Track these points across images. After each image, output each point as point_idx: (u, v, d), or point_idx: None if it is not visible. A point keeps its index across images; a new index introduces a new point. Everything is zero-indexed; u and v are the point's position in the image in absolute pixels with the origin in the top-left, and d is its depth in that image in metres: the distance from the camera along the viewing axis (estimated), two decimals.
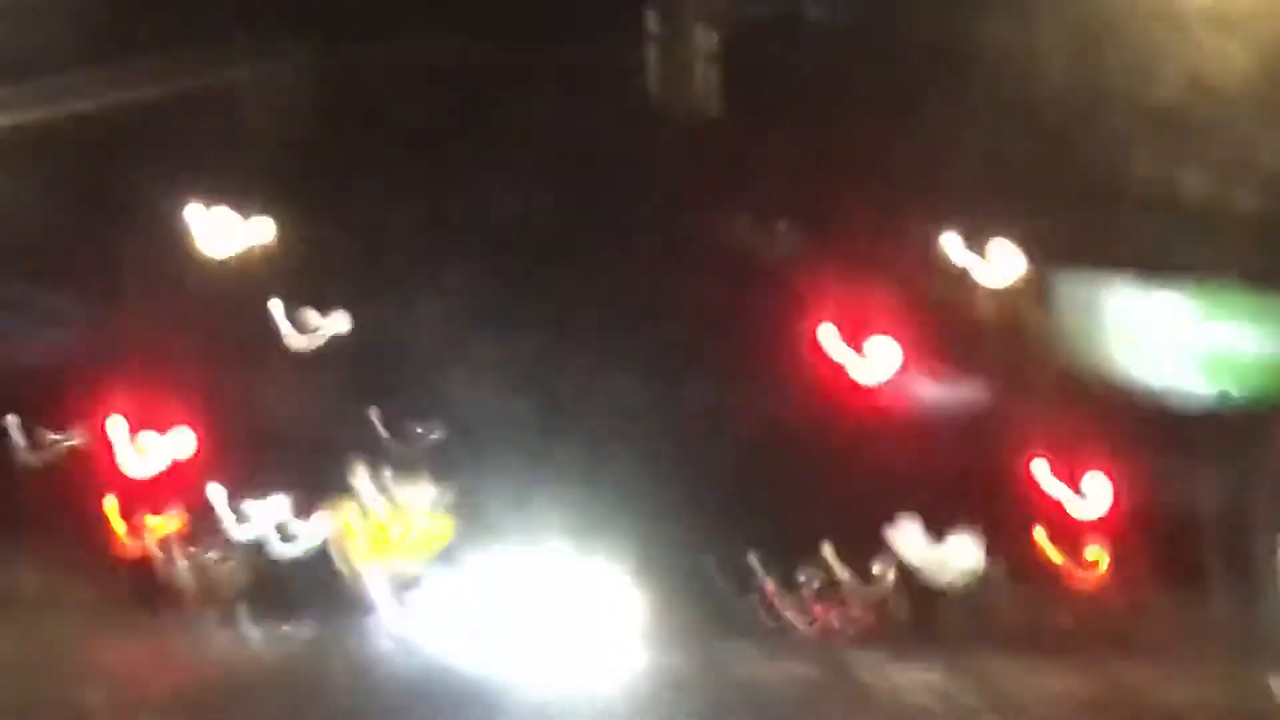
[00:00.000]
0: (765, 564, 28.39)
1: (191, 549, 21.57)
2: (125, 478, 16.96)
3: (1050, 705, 9.93)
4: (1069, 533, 17.44)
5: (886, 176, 18.82)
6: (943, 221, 19.25)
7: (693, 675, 11.86)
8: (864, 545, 26.14)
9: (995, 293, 18.76)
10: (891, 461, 21.32)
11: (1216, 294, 17.04)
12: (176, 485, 17.70)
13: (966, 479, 20.23)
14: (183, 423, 17.81)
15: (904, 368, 17.60)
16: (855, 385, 18.00)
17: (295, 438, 21.85)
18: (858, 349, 16.80)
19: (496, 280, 22.79)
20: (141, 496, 17.05)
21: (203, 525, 20.56)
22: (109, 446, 17.28)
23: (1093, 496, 17.06)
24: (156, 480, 17.05)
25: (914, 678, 11.67)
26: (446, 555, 25.19)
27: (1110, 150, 15.97)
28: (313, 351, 21.58)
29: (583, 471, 25.22)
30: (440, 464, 26.67)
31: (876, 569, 26.28)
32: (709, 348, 23.31)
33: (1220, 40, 13.83)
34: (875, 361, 17.04)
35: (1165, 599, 17.70)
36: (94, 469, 17.41)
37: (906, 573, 23.95)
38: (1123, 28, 14.74)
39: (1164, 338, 17.06)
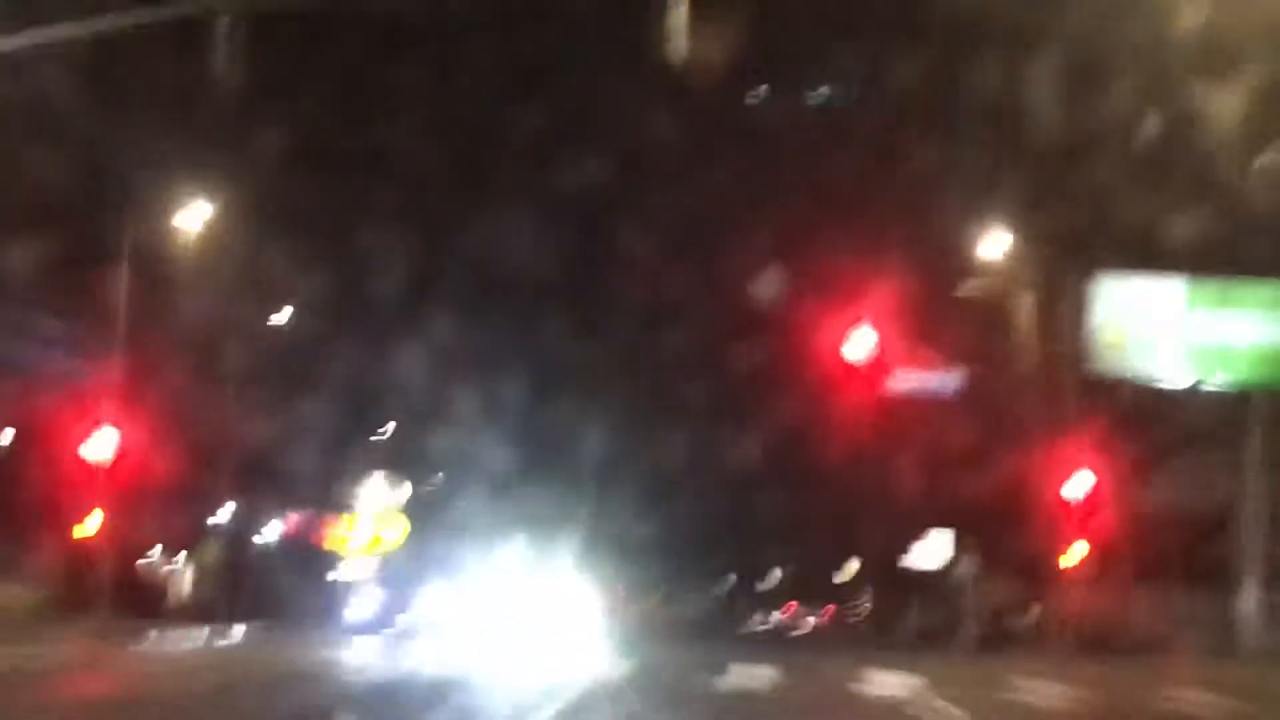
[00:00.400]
0: (742, 573, 28.57)
1: (158, 556, 21.39)
2: (81, 482, 16.67)
3: (1028, 710, 9.73)
4: (1058, 530, 17.38)
5: (879, 206, 19.25)
6: (936, 238, 19.47)
7: (669, 679, 11.66)
8: (839, 552, 26.22)
9: (990, 295, 18.84)
10: (866, 476, 21.45)
11: (1204, 286, 16.95)
12: (141, 491, 17.41)
13: (957, 485, 20.12)
14: (151, 429, 17.56)
15: (893, 369, 17.55)
16: (842, 412, 18.22)
17: (273, 453, 21.81)
18: (857, 369, 16.74)
19: (487, 320, 23.51)
20: (100, 502, 16.75)
21: (169, 531, 20.38)
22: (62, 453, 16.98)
23: (1080, 493, 16.98)
24: (119, 485, 16.75)
25: (896, 680, 11.49)
26: (425, 559, 25.15)
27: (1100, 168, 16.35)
28: (298, 372, 21.67)
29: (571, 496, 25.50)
30: (414, 466, 26.73)
31: (849, 571, 26.28)
32: (696, 393, 23.94)
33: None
34: (870, 372, 16.98)
35: (1150, 597, 17.57)
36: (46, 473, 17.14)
37: (884, 578, 23.89)
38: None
39: (1153, 329, 16.96)
